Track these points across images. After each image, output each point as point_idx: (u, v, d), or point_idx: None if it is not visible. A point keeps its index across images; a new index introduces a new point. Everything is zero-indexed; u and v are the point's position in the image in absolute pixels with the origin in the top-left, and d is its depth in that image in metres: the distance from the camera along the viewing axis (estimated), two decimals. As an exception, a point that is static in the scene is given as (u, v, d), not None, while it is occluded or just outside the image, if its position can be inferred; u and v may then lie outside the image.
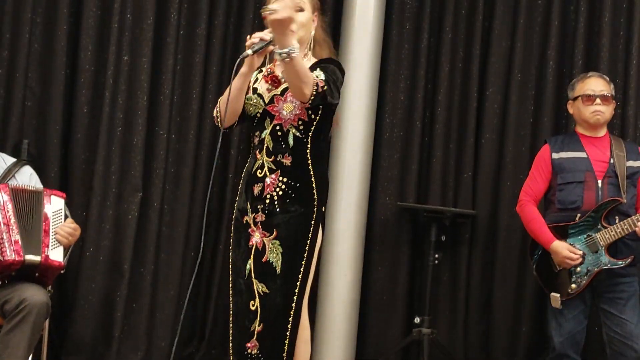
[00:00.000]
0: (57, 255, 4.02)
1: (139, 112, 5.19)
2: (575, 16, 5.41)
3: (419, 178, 5.57)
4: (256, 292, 3.38)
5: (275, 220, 3.39)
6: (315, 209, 3.40)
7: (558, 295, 4.43)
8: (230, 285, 3.50)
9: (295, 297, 3.36)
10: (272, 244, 3.38)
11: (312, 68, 3.39)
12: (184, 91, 5.35)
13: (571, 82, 4.77)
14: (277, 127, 3.41)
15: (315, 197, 3.41)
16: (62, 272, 4.12)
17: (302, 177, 3.41)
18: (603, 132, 4.62)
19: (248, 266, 3.41)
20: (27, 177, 4.25)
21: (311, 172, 3.41)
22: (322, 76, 3.34)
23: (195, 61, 5.35)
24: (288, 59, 3.15)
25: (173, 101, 5.30)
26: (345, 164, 5.37)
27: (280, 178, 3.39)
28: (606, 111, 4.56)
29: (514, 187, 5.24)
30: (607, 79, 4.67)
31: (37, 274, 4.01)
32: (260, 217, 3.41)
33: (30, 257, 3.93)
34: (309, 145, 3.42)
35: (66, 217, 4.14)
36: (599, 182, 4.46)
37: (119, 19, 5.15)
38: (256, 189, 3.42)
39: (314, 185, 3.41)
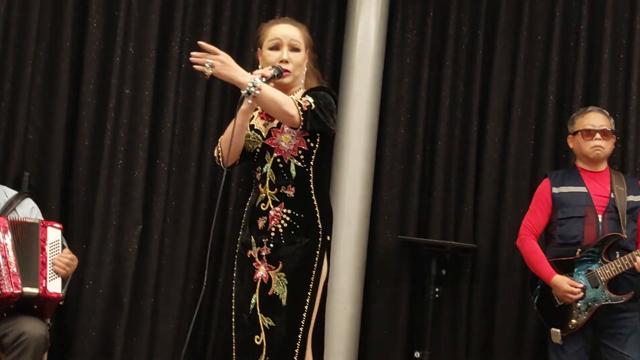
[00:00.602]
0: (55, 286, 4.02)
1: (140, 145, 5.21)
2: (575, 52, 5.44)
3: (419, 212, 5.57)
4: (262, 327, 3.36)
5: (280, 252, 3.38)
6: (320, 239, 3.40)
7: (559, 330, 4.42)
8: (232, 320, 3.47)
9: (301, 329, 3.34)
10: (278, 277, 3.37)
11: (302, 97, 3.41)
12: (185, 124, 5.37)
13: (571, 116, 4.79)
14: (278, 160, 3.42)
15: (319, 226, 3.40)
16: (60, 303, 4.11)
17: (306, 208, 3.41)
18: (603, 166, 4.63)
19: (253, 300, 3.39)
20: (29, 210, 4.26)
21: (315, 202, 3.41)
22: (309, 99, 3.35)
23: (196, 95, 5.37)
24: (257, 91, 3.17)
25: (174, 134, 5.32)
26: (346, 197, 5.37)
27: (285, 210, 3.39)
28: (606, 146, 4.57)
29: (515, 221, 5.23)
30: (607, 113, 4.69)
31: (35, 306, 4.01)
32: (266, 250, 3.40)
33: (28, 290, 3.93)
34: (311, 175, 3.43)
35: (63, 247, 4.14)
36: (600, 217, 4.46)
37: (121, 53, 5.18)
38: (260, 223, 3.42)
39: (318, 214, 3.41)
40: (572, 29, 5.49)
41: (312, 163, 3.43)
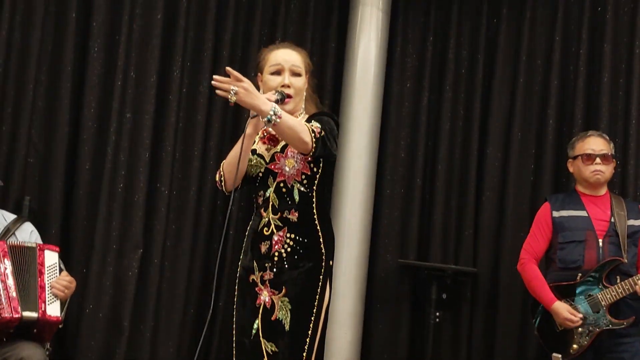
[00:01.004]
0: (54, 310, 4.01)
1: (140, 169, 5.21)
2: (574, 76, 5.45)
3: (419, 235, 5.57)
4: (264, 352, 3.33)
5: (284, 277, 3.37)
6: (323, 263, 3.39)
7: (560, 355, 4.40)
8: (234, 345, 3.45)
9: (304, 354, 3.31)
10: (281, 302, 3.35)
11: (306, 122, 3.42)
12: (186, 148, 5.38)
13: (571, 140, 4.79)
14: (282, 184, 3.42)
15: (322, 251, 3.40)
16: (60, 326, 4.10)
17: (309, 232, 3.40)
18: (603, 190, 4.63)
19: (255, 325, 3.37)
20: (28, 234, 4.25)
21: (318, 227, 3.41)
22: (318, 125, 3.35)
23: (197, 119, 5.38)
24: (277, 120, 3.17)
25: (175, 158, 5.33)
26: (346, 221, 5.37)
27: (288, 235, 3.38)
28: (606, 170, 4.57)
29: (515, 245, 5.22)
30: (607, 137, 4.70)
31: (35, 330, 4.00)
32: (269, 275, 3.38)
33: (27, 314, 3.92)
34: (314, 199, 3.42)
35: (61, 270, 4.14)
36: (600, 241, 4.46)
37: (122, 77, 5.20)
38: (263, 247, 3.41)
39: (321, 239, 3.40)
40: (571, 53, 5.51)
41: (314, 188, 3.43)
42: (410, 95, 5.66)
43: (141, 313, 5.19)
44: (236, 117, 5.47)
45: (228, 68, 3.21)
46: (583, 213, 4.53)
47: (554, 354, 4.41)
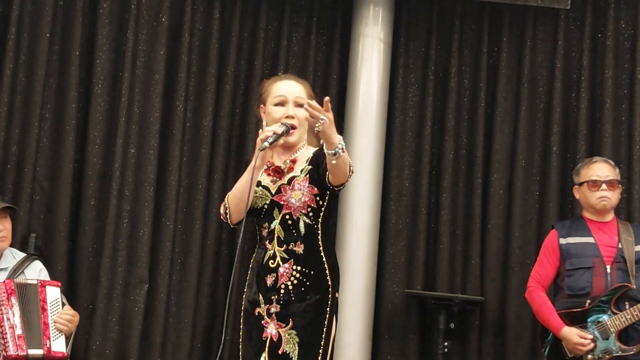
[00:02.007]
0: (59, 345, 4.02)
1: (145, 204, 5.22)
2: (576, 102, 5.47)
3: (426, 265, 5.55)
4: None
5: (290, 310, 3.35)
6: (330, 295, 3.37)
7: (570, 383, 4.38)
8: None
9: None
10: (288, 335, 3.33)
11: (322, 156, 3.38)
12: (190, 182, 5.39)
13: (576, 167, 4.79)
14: (287, 216, 3.41)
15: (329, 283, 3.38)
16: (66, 364, 4.11)
17: (315, 264, 3.38)
18: (610, 216, 4.62)
19: (262, 359, 3.35)
20: (37, 272, 4.27)
21: (324, 259, 3.40)
22: None
23: (201, 152, 5.40)
24: (342, 153, 3.16)
25: (179, 192, 5.33)
26: (352, 252, 5.36)
27: (294, 267, 3.36)
28: (612, 196, 4.57)
29: (522, 272, 5.22)
30: (612, 163, 4.70)
31: (42, 367, 4.01)
32: (275, 307, 3.36)
33: (33, 352, 3.92)
34: (319, 232, 3.41)
35: (63, 304, 4.13)
36: (608, 267, 4.45)
37: (126, 112, 5.22)
38: (269, 280, 3.39)
39: (327, 271, 3.39)
40: (573, 80, 5.53)
41: (320, 220, 3.42)
42: (413, 125, 5.67)
43: (148, 348, 5.18)
44: (239, 150, 5.48)
45: (327, 98, 3.16)
46: (590, 239, 4.52)
47: (565, 382, 4.40)
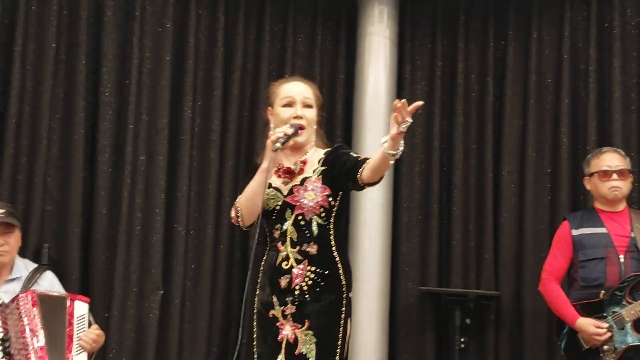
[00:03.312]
0: None
1: (156, 210, 5.23)
2: (585, 93, 5.44)
3: (439, 261, 5.54)
4: None
5: (306, 310, 3.34)
6: (344, 295, 3.38)
7: (588, 375, 4.36)
8: None
9: None
10: (304, 335, 3.33)
11: (338, 155, 3.41)
12: (201, 187, 5.39)
13: (586, 157, 4.77)
14: (300, 217, 3.41)
15: (343, 283, 3.39)
16: (84, 378, 4.12)
17: (329, 265, 3.38)
18: (622, 206, 4.60)
19: None
20: (49, 283, 4.28)
21: (337, 258, 3.40)
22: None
23: (210, 157, 5.40)
24: (397, 157, 3.16)
25: (190, 197, 5.34)
26: (365, 252, 5.35)
27: (309, 267, 3.37)
28: (624, 186, 4.54)
29: (536, 265, 5.19)
30: (622, 153, 4.67)
31: (61, 381, 4.01)
32: (290, 309, 3.36)
33: (54, 364, 3.92)
34: (331, 232, 3.42)
35: (90, 323, 4.14)
36: (621, 257, 4.43)
37: (135, 120, 5.23)
38: (283, 282, 3.39)
39: (340, 271, 3.39)
40: (580, 70, 5.50)
41: (332, 220, 3.43)
42: (422, 122, 5.66)
43: (164, 355, 5.18)
44: (249, 153, 5.48)
45: (420, 103, 3.20)
46: (602, 230, 4.50)
47: (582, 374, 4.38)
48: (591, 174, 4.61)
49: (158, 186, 5.25)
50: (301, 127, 3.44)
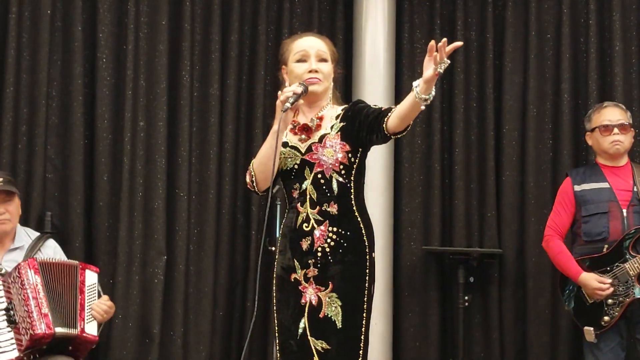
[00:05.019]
0: (92, 328, 4.05)
1: (158, 176, 5.22)
2: (585, 47, 5.40)
3: (442, 221, 5.54)
4: (314, 350, 3.23)
5: (329, 272, 3.24)
6: (367, 256, 3.27)
7: (592, 328, 4.37)
8: (278, 347, 3.34)
9: (361, 352, 3.22)
10: (329, 298, 3.24)
11: (358, 110, 3.33)
12: (201, 151, 5.38)
13: (587, 113, 4.75)
14: (319, 175, 3.29)
15: (365, 243, 3.28)
16: (94, 346, 4.13)
17: (351, 225, 3.27)
18: (624, 161, 4.59)
19: (302, 325, 3.26)
20: (52, 251, 4.29)
21: (358, 218, 3.29)
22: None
23: (210, 121, 5.38)
24: (429, 102, 3.09)
25: (191, 162, 5.33)
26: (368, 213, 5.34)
27: (330, 228, 3.25)
28: (625, 140, 4.53)
29: (539, 222, 5.20)
30: (623, 107, 4.66)
31: (70, 347, 4.04)
32: (313, 271, 3.25)
33: (63, 330, 3.94)
34: (352, 191, 3.30)
35: (99, 293, 4.15)
36: (624, 211, 4.43)
37: (133, 86, 5.20)
38: (304, 244, 3.28)
39: (362, 231, 3.28)
40: (581, 24, 5.46)
41: (352, 178, 3.31)
42: (421, 81, 5.61)
43: (170, 320, 5.20)
44: (249, 117, 5.47)
45: (458, 43, 3.03)
46: (605, 184, 4.49)
47: (586, 328, 4.39)
48: (592, 129, 4.60)
49: (158, 152, 5.24)
50: (315, 79, 3.32)
